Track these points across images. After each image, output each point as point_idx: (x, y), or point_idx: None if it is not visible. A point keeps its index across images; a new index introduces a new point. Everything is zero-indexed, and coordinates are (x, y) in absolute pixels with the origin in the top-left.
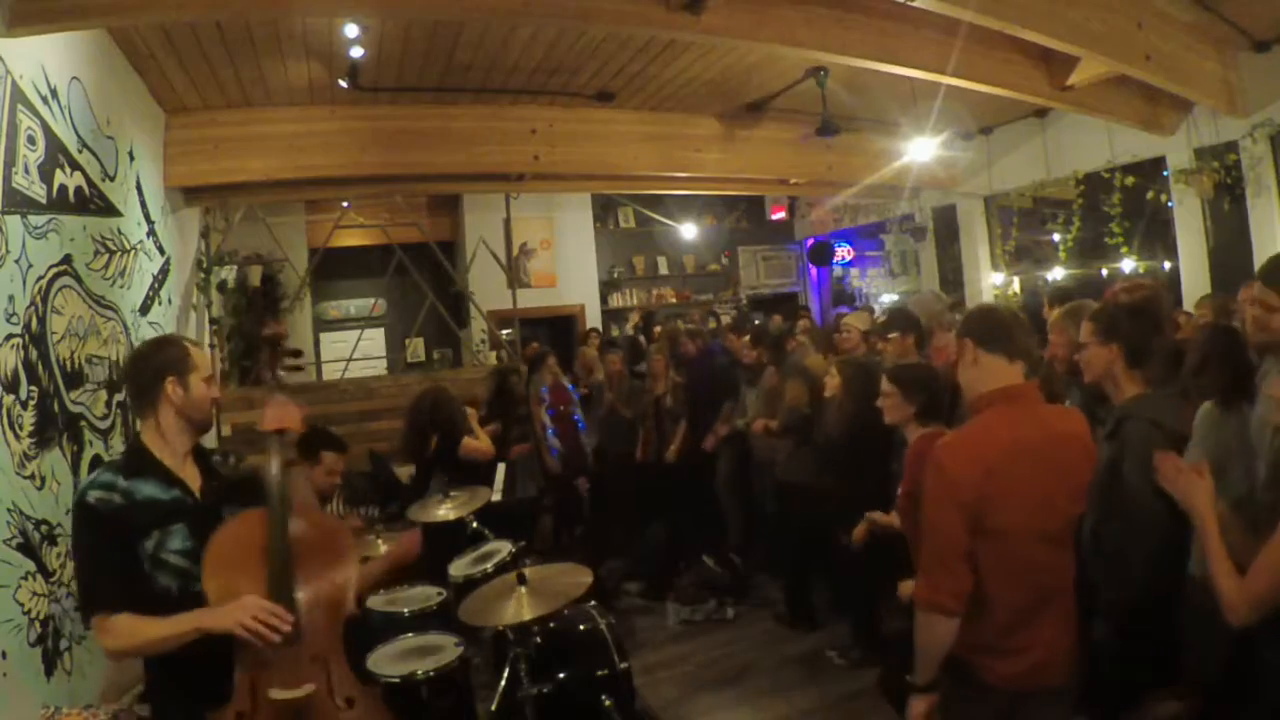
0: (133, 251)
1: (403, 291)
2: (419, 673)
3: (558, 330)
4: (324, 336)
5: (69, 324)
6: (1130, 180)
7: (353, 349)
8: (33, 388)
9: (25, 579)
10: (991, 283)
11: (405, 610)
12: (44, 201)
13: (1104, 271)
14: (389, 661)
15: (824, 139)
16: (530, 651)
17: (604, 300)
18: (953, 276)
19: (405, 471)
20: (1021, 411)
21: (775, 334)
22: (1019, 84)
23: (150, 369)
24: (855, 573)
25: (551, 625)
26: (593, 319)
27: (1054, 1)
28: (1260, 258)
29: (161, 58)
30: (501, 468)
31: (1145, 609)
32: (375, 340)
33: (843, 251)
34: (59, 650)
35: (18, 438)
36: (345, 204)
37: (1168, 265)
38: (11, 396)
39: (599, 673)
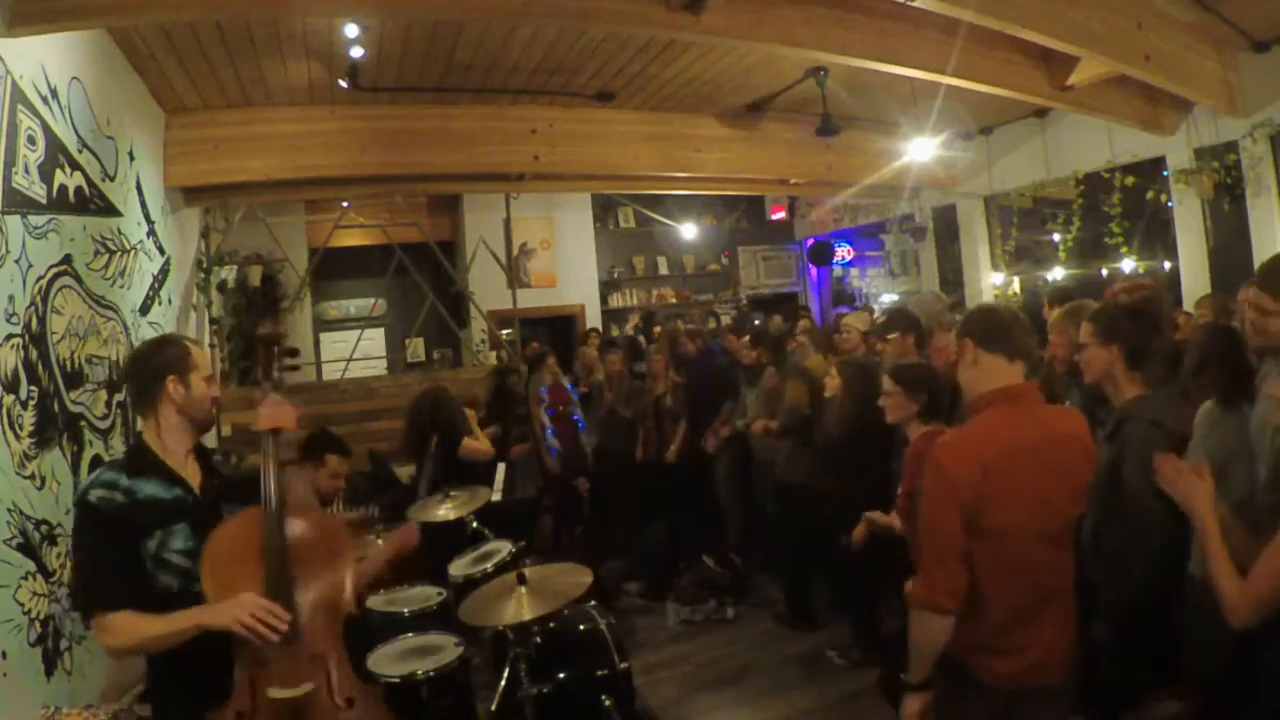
0: (133, 251)
1: (403, 291)
2: (419, 673)
3: (558, 330)
4: (324, 336)
5: (69, 324)
6: (1130, 180)
7: (353, 349)
8: (33, 388)
9: (25, 579)
10: (991, 283)
11: (405, 610)
12: (44, 201)
13: (1104, 271)
14: (389, 661)
15: (824, 139)
16: (530, 651)
17: (604, 300)
18: (953, 276)
19: (405, 471)
20: (1021, 412)
21: (775, 334)
22: (1019, 84)
23: (151, 368)
24: (855, 573)
25: (551, 625)
26: (593, 319)
27: (1054, 1)
28: (1260, 258)
29: (161, 58)
30: (501, 468)
31: (1145, 609)
32: (375, 340)
33: (843, 251)
34: (59, 650)
35: (18, 438)
36: (345, 204)
37: (1168, 265)
38: (11, 396)
39: (599, 673)
